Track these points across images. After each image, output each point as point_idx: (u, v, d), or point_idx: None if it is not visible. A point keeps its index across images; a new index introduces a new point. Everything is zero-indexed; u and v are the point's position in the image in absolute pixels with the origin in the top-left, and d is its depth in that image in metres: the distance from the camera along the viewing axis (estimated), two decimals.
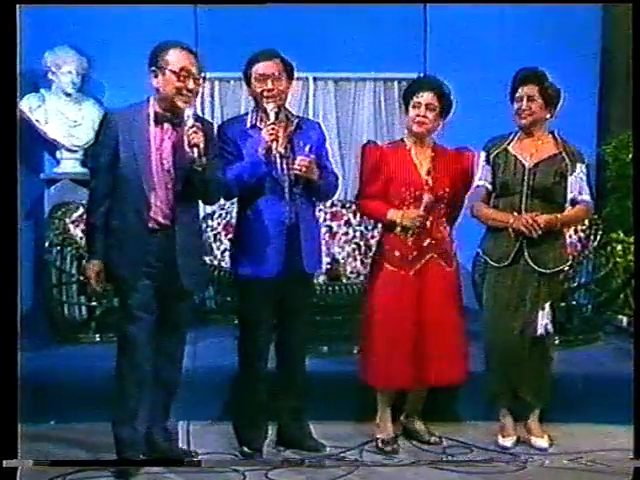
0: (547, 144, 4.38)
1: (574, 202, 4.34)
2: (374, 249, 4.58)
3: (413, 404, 4.52)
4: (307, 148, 4.14)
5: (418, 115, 4.26)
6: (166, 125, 3.93)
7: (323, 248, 4.62)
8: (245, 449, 4.27)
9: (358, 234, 5.52)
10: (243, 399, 4.30)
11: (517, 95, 4.29)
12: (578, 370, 4.93)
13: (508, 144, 4.38)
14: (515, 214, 4.27)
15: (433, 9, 6.38)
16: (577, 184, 4.33)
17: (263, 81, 4.10)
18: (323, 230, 5.12)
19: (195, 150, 3.80)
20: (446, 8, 6.21)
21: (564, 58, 5.90)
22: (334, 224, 5.37)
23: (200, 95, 6.50)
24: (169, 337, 4.07)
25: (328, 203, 5.56)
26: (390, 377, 4.31)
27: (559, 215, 4.28)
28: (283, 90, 4.14)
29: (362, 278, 5.29)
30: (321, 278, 5.31)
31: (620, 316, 5.80)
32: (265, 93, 4.10)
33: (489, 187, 4.38)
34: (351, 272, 5.42)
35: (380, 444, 4.38)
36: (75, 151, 6.32)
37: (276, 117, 4.06)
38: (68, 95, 6.22)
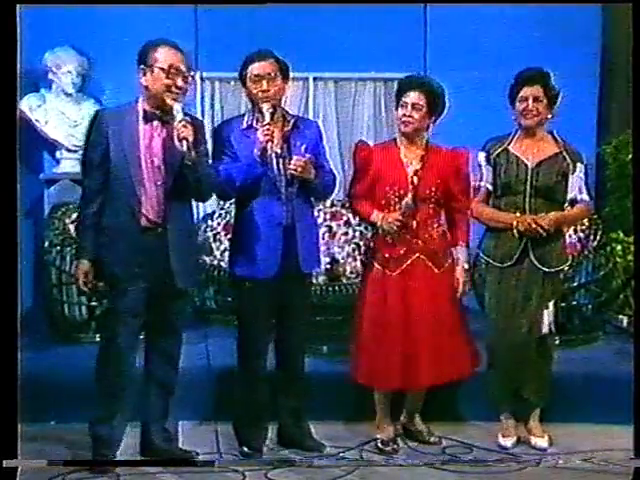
0: (548, 144, 4.38)
1: (574, 201, 4.36)
2: (365, 249, 4.59)
3: (412, 403, 4.52)
4: (303, 148, 4.13)
5: (404, 115, 4.25)
6: (155, 123, 3.93)
7: (323, 248, 4.63)
8: (245, 449, 4.27)
9: (358, 234, 5.50)
10: (243, 399, 4.30)
11: (521, 95, 4.28)
12: (578, 370, 4.93)
13: (508, 144, 4.38)
14: (518, 214, 4.28)
15: (433, 9, 6.38)
16: (577, 183, 4.35)
17: (258, 81, 4.10)
18: (323, 230, 5.12)
19: (184, 143, 3.80)
20: (446, 8, 6.20)
21: (564, 58, 5.88)
22: (334, 224, 5.36)
23: (200, 95, 6.61)
24: (164, 337, 4.08)
25: (328, 203, 5.56)
26: (375, 376, 4.31)
27: (564, 213, 4.30)
28: (278, 90, 4.14)
29: (363, 279, 5.27)
30: (321, 278, 5.31)
31: (620, 316, 5.80)
32: (260, 94, 4.10)
33: (490, 187, 4.38)
34: (351, 272, 5.41)
35: (380, 444, 4.38)
36: (75, 151, 6.31)
37: (271, 117, 4.06)
38: (68, 95, 6.22)
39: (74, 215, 5.70)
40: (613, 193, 6.10)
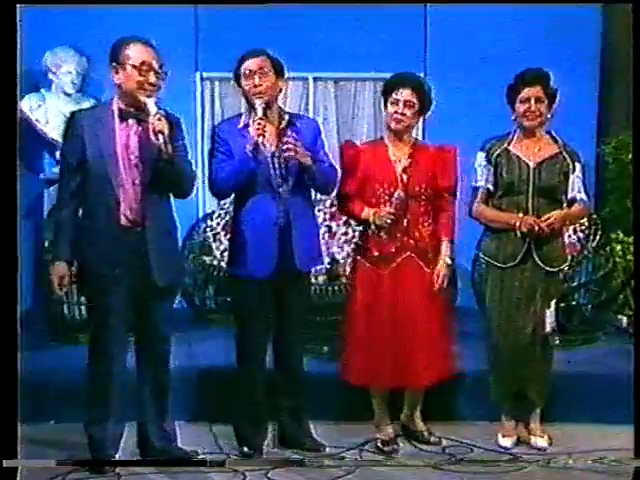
0: (547, 144, 4.39)
1: (573, 201, 4.36)
2: (354, 248, 4.57)
3: (411, 403, 4.51)
4: (299, 144, 4.11)
5: (396, 112, 4.23)
6: (131, 121, 3.93)
7: (323, 248, 4.61)
8: (245, 449, 4.27)
9: (357, 234, 5.49)
10: (242, 399, 4.30)
11: (522, 96, 4.27)
12: (578, 370, 4.93)
13: (508, 144, 4.38)
14: (521, 215, 4.28)
15: (433, 9, 6.38)
16: (576, 183, 4.36)
17: (250, 77, 4.10)
18: (323, 230, 5.11)
19: (160, 137, 3.78)
20: (446, 8, 6.21)
21: (564, 58, 5.89)
22: (333, 224, 5.35)
23: (200, 95, 6.61)
24: (151, 337, 4.07)
25: (328, 203, 5.55)
26: (366, 375, 4.31)
27: (566, 212, 4.31)
28: (271, 86, 4.11)
29: (354, 278, 5.27)
30: (321, 278, 5.31)
31: (620, 316, 5.80)
32: (252, 90, 4.09)
33: (491, 188, 4.38)
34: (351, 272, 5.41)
35: (380, 444, 4.39)
36: None
37: (264, 113, 4.04)
38: (68, 95, 6.21)
39: None
40: (613, 193, 6.10)
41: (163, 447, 4.14)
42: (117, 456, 4.08)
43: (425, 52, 6.46)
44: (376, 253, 4.27)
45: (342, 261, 5.36)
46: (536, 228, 4.22)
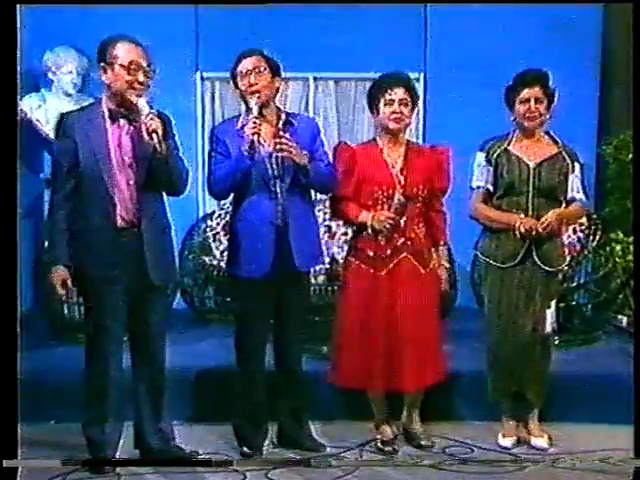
0: (547, 144, 4.39)
1: (572, 201, 4.37)
2: (347, 249, 4.55)
3: (409, 405, 4.48)
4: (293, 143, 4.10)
5: (394, 112, 4.21)
6: (122, 121, 3.92)
7: (323, 248, 4.61)
8: (245, 449, 4.27)
9: (350, 235, 5.49)
10: (242, 399, 4.30)
11: (522, 97, 4.27)
12: (578, 370, 4.93)
13: (508, 144, 4.38)
14: (522, 215, 4.28)
15: (433, 9, 6.38)
16: (575, 183, 4.36)
17: (246, 77, 4.10)
18: (322, 230, 5.11)
19: (154, 136, 3.77)
20: (446, 8, 6.20)
21: (564, 58, 5.89)
22: (333, 224, 5.35)
23: (200, 95, 6.61)
24: (146, 337, 4.07)
25: (327, 203, 5.55)
26: (358, 378, 4.29)
27: (563, 210, 4.31)
28: (267, 85, 4.11)
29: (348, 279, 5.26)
30: (321, 278, 5.31)
31: (620, 316, 5.80)
32: (248, 89, 4.09)
33: (490, 188, 4.38)
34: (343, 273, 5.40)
35: (380, 444, 4.38)
36: None
37: (260, 112, 4.04)
38: (69, 95, 6.20)
39: None
40: (613, 193, 6.10)
41: (160, 447, 4.14)
42: (116, 456, 4.08)
43: (425, 52, 6.46)
44: (371, 254, 4.25)
45: (342, 261, 5.36)
46: (534, 233, 4.22)
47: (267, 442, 4.36)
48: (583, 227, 5.56)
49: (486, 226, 4.41)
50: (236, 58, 4.17)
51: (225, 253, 4.89)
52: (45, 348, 5.19)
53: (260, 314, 4.21)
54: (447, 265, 4.36)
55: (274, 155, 4.11)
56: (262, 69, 4.10)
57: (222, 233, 5.74)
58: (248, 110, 4.13)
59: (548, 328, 4.37)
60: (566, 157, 4.35)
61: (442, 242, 4.36)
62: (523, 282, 4.33)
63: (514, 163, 4.34)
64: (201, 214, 6.39)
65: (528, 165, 4.32)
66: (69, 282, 3.93)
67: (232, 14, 6.09)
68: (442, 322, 4.42)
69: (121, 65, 3.85)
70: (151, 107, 3.84)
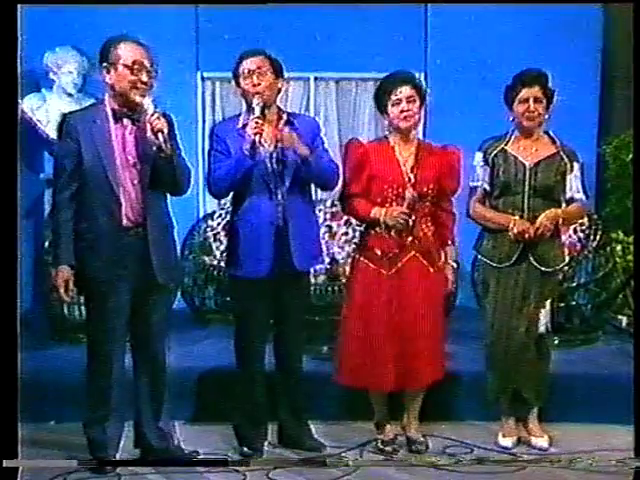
0: (545, 144, 4.38)
1: (571, 201, 4.36)
2: (355, 247, 4.55)
3: (409, 406, 4.45)
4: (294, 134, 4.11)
5: (403, 110, 4.21)
6: (125, 121, 3.92)
7: (323, 248, 4.61)
8: (245, 449, 4.27)
9: (358, 234, 5.49)
10: (242, 399, 4.30)
11: (521, 97, 4.27)
12: (578, 370, 4.93)
13: (506, 144, 4.38)
14: (516, 217, 4.28)
15: (433, 9, 6.38)
16: (574, 183, 4.36)
17: (249, 76, 4.10)
18: (323, 230, 5.12)
19: (160, 135, 3.78)
20: (446, 8, 6.21)
21: (564, 58, 5.90)
22: (334, 224, 5.36)
23: (201, 95, 6.62)
24: (147, 336, 4.07)
25: (328, 203, 5.56)
26: (364, 377, 4.28)
27: (557, 210, 4.29)
28: (269, 86, 4.11)
29: (356, 277, 5.27)
30: (321, 278, 5.31)
31: (620, 316, 5.80)
32: (251, 89, 4.09)
33: (487, 188, 4.38)
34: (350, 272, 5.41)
35: (380, 444, 4.38)
36: None
37: (261, 112, 4.03)
38: (69, 95, 6.20)
39: None
40: (613, 193, 6.10)
41: (160, 447, 4.14)
42: (117, 456, 4.08)
43: (425, 52, 6.47)
44: (379, 253, 4.24)
45: (342, 261, 5.36)
46: (527, 236, 4.22)
47: (267, 442, 4.36)
48: (583, 227, 5.57)
49: (484, 226, 4.42)
50: (238, 57, 4.17)
51: (225, 253, 4.90)
52: (45, 348, 5.20)
53: (260, 314, 4.21)
54: (455, 265, 4.34)
55: (275, 155, 4.11)
56: (265, 69, 4.11)
57: (222, 233, 5.74)
58: (249, 110, 4.13)
59: (541, 328, 4.36)
60: (564, 157, 4.35)
61: (450, 242, 4.35)
62: (518, 282, 4.33)
63: (511, 163, 4.34)
64: (201, 214, 6.40)
65: (525, 165, 4.32)
66: (72, 283, 3.93)
67: (232, 14, 6.10)
68: (445, 321, 4.40)
69: (124, 65, 3.85)
70: (155, 106, 3.85)
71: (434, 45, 6.43)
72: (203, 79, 6.63)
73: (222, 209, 5.98)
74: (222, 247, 5.62)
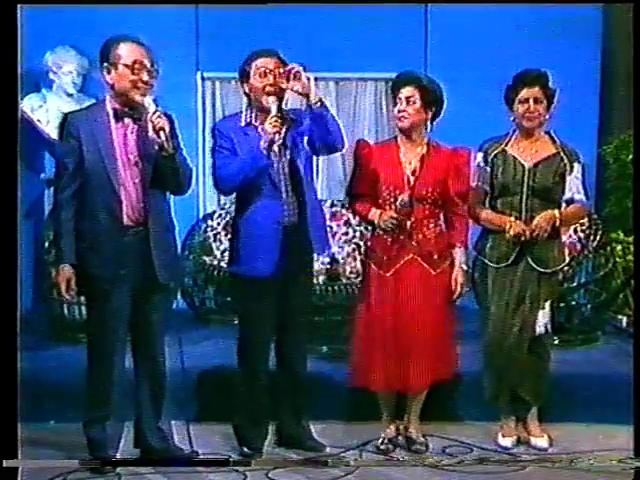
0: (545, 144, 4.38)
1: (570, 202, 4.35)
2: (364, 249, 4.57)
3: (409, 407, 4.44)
4: (305, 140, 4.12)
5: (399, 110, 4.24)
6: (126, 120, 3.92)
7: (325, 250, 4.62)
8: (245, 449, 4.27)
9: (358, 234, 5.51)
10: (243, 399, 4.29)
11: (521, 97, 4.27)
12: (578, 370, 4.93)
13: (506, 145, 4.38)
14: (512, 219, 4.27)
15: (433, 9, 6.38)
16: (574, 184, 4.35)
17: (264, 76, 4.10)
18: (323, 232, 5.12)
19: (162, 134, 3.79)
20: (446, 8, 6.21)
21: (565, 58, 5.89)
22: (334, 224, 5.36)
23: (201, 95, 6.61)
24: (147, 336, 4.07)
25: (328, 203, 5.56)
26: (368, 378, 4.29)
27: (554, 212, 4.28)
28: (283, 88, 4.12)
29: (361, 279, 5.28)
30: (321, 278, 5.31)
31: (620, 316, 5.80)
32: (267, 88, 4.09)
33: (487, 188, 4.38)
34: (351, 272, 5.42)
35: (380, 444, 4.38)
36: None
37: (278, 110, 4.06)
38: (69, 95, 6.21)
39: None
40: (613, 193, 6.10)
41: (160, 446, 4.14)
42: (117, 456, 4.08)
43: (426, 52, 6.46)
44: (380, 254, 4.26)
45: (342, 261, 5.37)
46: (522, 238, 4.22)
47: (267, 442, 4.35)
48: (583, 227, 5.57)
49: (484, 226, 4.41)
50: (252, 54, 4.15)
51: (226, 253, 4.90)
52: (45, 348, 5.20)
53: (265, 314, 4.20)
54: (464, 267, 4.29)
55: (284, 153, 4.12)
56: (280, 71, 4.11)
57: (223, 233, 5.74)
58: (251, 107, 4.14)
59: (540, 329, 4.35)
60: (564, 157, 4.34)
61: (459, 245, 4.30)
62: (515, 283, 4.33)
63: (510, 164, 4.34)
64: (201, 214, 6.39)
65: (524, 166, 4.32)
66: (73, 282, 3.93)
67: (232, 14, 6.09)
68: (452, 321, 4.36)
69: (125, 65, 3.86)
70: (157, 105, 3.85)
71: (434, 45, 6.42)
72: (203, 79, 6.62)
73: (222, 209, 5.99)
74: (222, 247, 5.63)
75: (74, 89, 6.22)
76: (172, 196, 4.09)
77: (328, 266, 5.31)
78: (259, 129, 4.12)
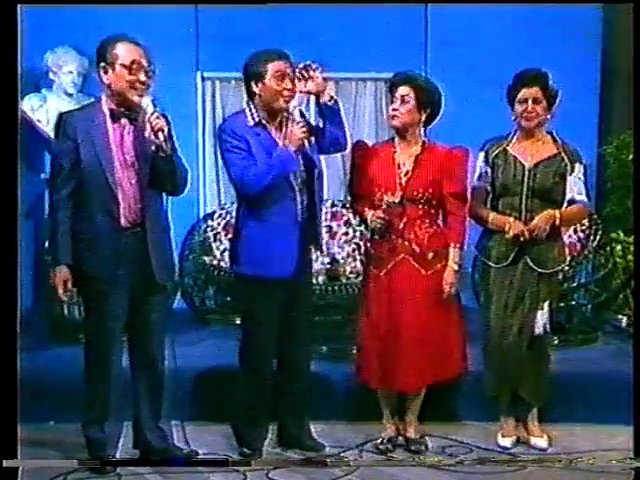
0: (546, 144, 4.38)
1: (572, 202, 4.35)
2: (364, 249, 4.59)
3: (408, 405, 4.43)
4: (312, 139, 4.18)
5: (393, 109, 4.25)
6: (123, 121, 3.92)
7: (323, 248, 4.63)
8: (245, 450, 4.27)
9: (358, 234, 5.51)
10: (245, 400, 4.28)
11: (520, 97, 4.27)
12: (578, 370, 4.93)
13: (507, 145, 4.38)
14: (511, 219, 4.27)
15: (433, 9, 6.38)
16: (575, 184, 4.34)
17: (282, 79, 4.10)
18: (323, 230, 5.12)
19: (160, 135, 3.79)
20: (446, 8, 6.20)
21: (565, 58, 5.89)
22: (334, 224, 5.37)
23: (201, 95, 6.61)
24: (146, 336, 4.07)
25: (328, 203, 5.56)
26: (367, 376, 4.32)
27: (554, 212, 4.27)
28: (301, 91, 4.17)
29: (362, 278, 5.28)
30: (321, 278, 5.31)
31: (620, 316, 5.80)
32: (285, 92, 4.09)
33: (488, 188, 4.38)
34: (351, 272, 5.42)
35: (380, 444, 4.38)
36: None
37: (302, 115, 4.10)
38: (69, 95, 6.20)
39: None
40: (614, 193, 6.10)
41: (160, 446, 4.14)
42: (117, 456, 4.08)
43: (426, 52, 6.46)
44: (374, 254, 4.30)
45: (342, 261, 5.37)
46: (522, 238, 4.22)
47: (267, 442, 4.35)
48: (583, 227, 5.57)
49: (484, 226, 4.41)
50: (264, 55, 4.14)
51: (226, 253, 4.89)
52: (45, 348, 5.20)
53: (274, 315, 4.19)
54: (455, 267, 4.23)
55: (305, 155, 4.16)
56: (297, 72, 4.15)
57: (223, 233, 5.74)
58: (256, 107, 4.12)
59: (539, 330, 4.34)
60: (565, 158, 4.34)
61: (453, 244, 4.26)
62: (513, 283, 4.33)
63: (510, 164, 4.34)
64: (201, 214, 6.39)
65: (524, 166, 4.32)
66: (70, 283, 3.93)
67: (232, 14, 6.09)
68: (454, 322, 4.34)
69: (122, 65, 3.85)
70: (155, 106, 3.85)
71: (434, 45, 6.42)
72: (203, 79, 6.62)
73: (222, 209, 5.99)
74: (222, 247, 5.63)
75: (74, 89, 6.22)
76: (168, 196, 4.08)
77: (328, 266, 5.31)
78: (270, 129, 4.13)
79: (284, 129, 4.16)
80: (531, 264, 4.30)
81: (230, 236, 4.64)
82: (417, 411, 4.42)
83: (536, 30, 6.24)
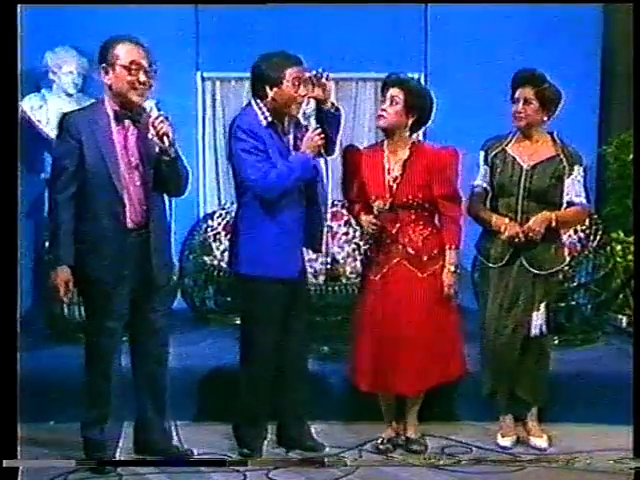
0: (545, 146, 4.37)
1: (570, 204, 4.33)
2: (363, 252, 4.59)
3: (408, 405, 4.43)
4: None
5: (381, 109, 4.24)
6: (127, 122, 3.93)
7: (323, 248, 4.63)
8: (245, 450, 4.27)
9: (358, 234, 5.51)
10: (245, 400, 4.29)
11: (514, 97, 4.29)
12: (578, 370, 4.93)
13: (506, 145, 4.38)
14: (507, 221, 4.26)
15: (434, 9, 6.38)
16: (574, 186, 4.32)
17: (298, 86, 4.09)
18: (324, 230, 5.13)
19: (165, 139, 3.79)
20: (447, 8, 6.20)
21: (565, 58, 5.90)
22: (334, 224, 5.36)
23: (201, 95, 6.61)
24: (147, 336, 4.08)
25: (328, 203, 5.55)
26: (361, 378, 4.31)
27: (550, 214, 4.26)
28: (312, 97, 4.18)
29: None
30: (321, 278, 5.31)
31: (620, 316, 5.80)
32: (299, 98, 4.11)
33: (487, 188, 4.38)
34: (351, 272, 5.41)
35: (379, 444, 4.38)
36: None
37: (318, 121, 4.12)
38: (69, 95, 6.20)
39: None
40: (614, 193, 6.10)
41: (160, 446, 4.15)
42: (117, 456, 4.08)
43: (426, 52, 6.46)
44: (370, 258, 4.32)
45: (342, 261, 5.37)
46: (516, 239, 4.22)
47: (267, 442, 4.35)
48: (583, 227, 5.56)
49: (483, 226, 4.41)
50: (283, 61, 4.12)
51: (225, 253, 4.89)
52: (45, 348, 5.20)
53: (277, 315, 4.19)
54: (452, 269, 4.22)
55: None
56: (309, 79, 4.15)
57: (223, 233, 5.74)
58: (267, 108, 4.10)
59: (535, 331, 4.34)
60: (564, 159, 4.32)
61: (449, 245, 4.24)
62: (509, 283, 4.33)
63: (508, 164, 4.34)
64: (201, 214, 6.39)
65: (522, 167, 4.32)
66: (71, 283, 3.93)
67: (232, 14, 6.09)
68: (452, 323, 4.33)
69: (122, 65, 3.85)
70: (159, 109, 3.85)
71: (434, 45, 6.42)
72: (203, 79, 6.62)
73: (222, 209, 5.98)
74: (222, 247, 5.62)
75: (74, 89, 6.21)
76: (170, 197, 4.08)
77: (328, 266, 5.30)
78: (280, 132, 4.14)
79: (289, 134, 4.19)
80: (526, 265, 4.30)
81: (229, 236, 4.63)
82: (416, 411, 4.42)
83: (536, 30, 6.23)
